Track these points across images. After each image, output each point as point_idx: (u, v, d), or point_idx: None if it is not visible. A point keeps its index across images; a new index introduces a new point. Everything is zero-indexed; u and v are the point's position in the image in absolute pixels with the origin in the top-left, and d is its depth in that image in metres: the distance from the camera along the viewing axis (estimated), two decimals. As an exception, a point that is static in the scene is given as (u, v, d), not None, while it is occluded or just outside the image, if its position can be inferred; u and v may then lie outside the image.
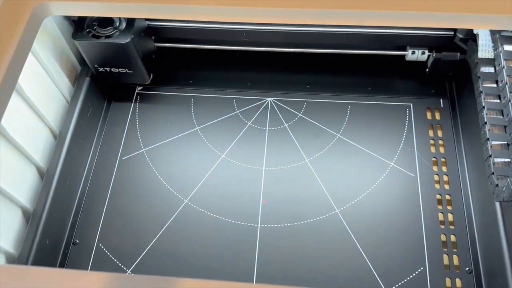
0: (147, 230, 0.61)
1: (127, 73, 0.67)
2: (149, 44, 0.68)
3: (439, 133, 0.68)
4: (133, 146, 0.68)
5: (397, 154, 0.66)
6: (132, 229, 0.62)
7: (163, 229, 0.61)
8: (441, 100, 0.70)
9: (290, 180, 0.64)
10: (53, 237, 0.59)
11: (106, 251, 0.60)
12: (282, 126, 0.69)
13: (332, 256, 0.58)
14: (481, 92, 0.58)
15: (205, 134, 0.69)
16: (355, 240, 0.59)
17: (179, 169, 0.66)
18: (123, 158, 0.67)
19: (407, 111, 0.69)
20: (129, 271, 0.58)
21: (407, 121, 0.68)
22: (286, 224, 0.61)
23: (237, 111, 0.71)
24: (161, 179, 0.65)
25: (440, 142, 0.67)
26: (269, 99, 0.72)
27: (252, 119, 0.70)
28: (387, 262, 0.57)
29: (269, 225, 0.61)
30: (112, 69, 0.66)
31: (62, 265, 0.60)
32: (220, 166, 0.66)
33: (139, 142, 0.69)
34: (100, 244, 0.61)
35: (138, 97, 0.73)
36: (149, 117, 0.71)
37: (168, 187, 0.64)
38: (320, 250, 0.59)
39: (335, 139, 0.67)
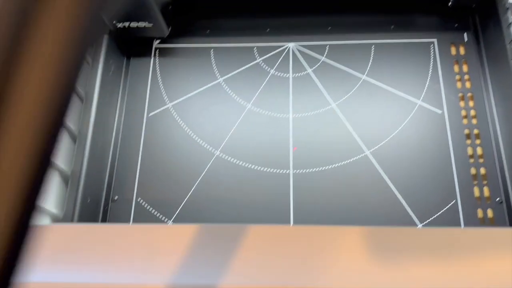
0: (182, 183, 0.63)
1: (146, 27, 0.65)
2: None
3: (465, 68, 0.67)
4: (158, 102, 0.68)
5: (424, 92, 0.66)
6: (167, 182, 0.63)
7: (198, 181, 0.63)
8: (465, 34, 0.69)
9: (318, 125, 0.65)
10: (93, 196, 0.61)
11: (145, 205, 0.62)
12: (305, 72, 0.69)
13: (365, 195, 0.60)
14: (510, 23, 0.57)
15: (229, 85, 0.69)
16: (387, 180, 0.61)
17: (207, 122, 0.67)
18: (150, 115, 0.67)
19: (431, 48, 0.69)
20: (170, 221, 0.61)
21: (431, 58, 0.68)
22: (317, 169, 0.62)
23: (258, 60, 0.70)
24: (190, 132, 0.66)
25: (466, 77, 0.66)
26: (291, 44, 0.71)
27: (275, 67, 0.69)
28: (420, 198, 0.59)
29: (301, 171, 0.62)
30: (131, 24, 0.65)
31: (104, 221, 0.62)
32: (247, 116, 0.67)
33: (163, 98, 0.69)
34: (139, 199, 0.62)
35: (157, 51, 0.72)
36: (170, 71, 0.70)
37: (198, 140, 0.65)
38: (353, 191, 0.61)
39: (361, 81, 0.67)
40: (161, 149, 0.66)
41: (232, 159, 0.64)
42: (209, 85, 0.69)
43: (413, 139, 0.63)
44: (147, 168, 0.65)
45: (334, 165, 0.62)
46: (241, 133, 0.66)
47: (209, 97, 0.68)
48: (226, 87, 0.68)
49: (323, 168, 0.62)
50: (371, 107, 0.66)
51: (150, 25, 0.65)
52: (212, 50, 0.71)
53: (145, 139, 0.67)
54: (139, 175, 0.64)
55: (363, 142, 0.63)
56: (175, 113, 0.67)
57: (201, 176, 0.63)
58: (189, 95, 0.68)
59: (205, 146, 0.65)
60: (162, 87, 0.69)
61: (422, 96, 0.65)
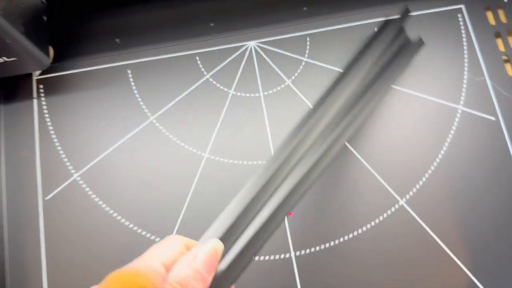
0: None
1: (11, 62, 0.38)
2: (30, 1, 0.39)
3: (511, 41, 0.45)
4: (58, 172, 0.42)
5: (464, 90, 0.43)
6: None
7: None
8: (501, -11, 0.47)
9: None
10: None
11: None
12: (281, 87, 0.44)
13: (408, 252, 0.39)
14: None
15: (163, 122, 0.43)
16: (438, 240, 0.39)
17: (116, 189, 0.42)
18: (46, 199, 0.41)
19: (460, 18, 0.46)
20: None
21: (463, 33, 0.45)
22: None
23: (207, 75, 0.44)
24: (107, 209, 0.41)
25: (516, 56, 0.45)
26: (251, 43, 0.45)
27: (234, 85, 0.44)
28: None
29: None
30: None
31: None
32: (207, 168, 0.42)
33: (64, 164, 0.42)
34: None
35: (41, 87, 0.44)
36: (67, 113, 0.44)
37: (123, 221, 0.40)
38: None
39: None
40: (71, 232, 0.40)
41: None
42: (139, 127, 0.43)
43: (459, 170, 0.41)
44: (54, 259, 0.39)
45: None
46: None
47: (139, 141, 0.43)
48: (161, 127, 0.43)
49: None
50: (405, 119, 0.43)
51: (12, 59, 0.37)
52: (129, 70, 0.45)
53: (46, 221, 0.41)
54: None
55: (393, 190, 0.41)
56: (79, 187, 0.42)
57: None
58: (100, 156, 0.42)
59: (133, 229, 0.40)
60: (58, 144, 0.43)
61: (463, 97, 0.43)
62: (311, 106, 0.42)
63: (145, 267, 0.23)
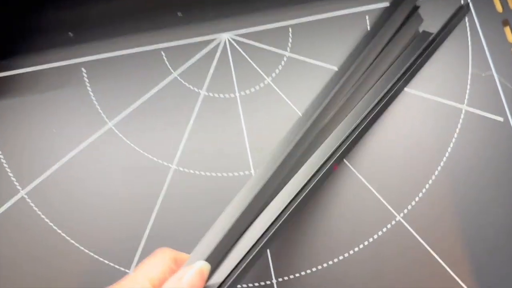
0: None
1: None
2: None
3: (521, 32, 0.40)
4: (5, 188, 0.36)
5: (468, 88, 0.38)
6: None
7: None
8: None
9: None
10: None
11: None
12: (259, 86, 0.38)
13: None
14: None
15: (124, 128, 0.37)
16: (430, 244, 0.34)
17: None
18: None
19: (462, 9, 0.40)
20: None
21: (467, 27, 0.40)
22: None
23: (174, 73, 0.38)
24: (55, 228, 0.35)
25: (527, 47, 0.39)
26: (225, 35, 0.39)
27: (205, 85, 0.38)
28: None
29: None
30: None
31: None
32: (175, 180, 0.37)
33: (12, 182, 0.36)
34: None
35: (-20, 89, 0.38)
36: (12, 119, 0.38)
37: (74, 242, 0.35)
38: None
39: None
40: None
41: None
42: (97, 134, 0.37)
43: (462, 180, 0.36)
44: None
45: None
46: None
47: (97, 150, 0.37)
48: (120, 134, 0.37)
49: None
50: (407, 120, 0.37)
51: None
52: (83, 68, 0.39)
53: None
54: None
55: (391, 207, 0.36)
56: (32, 202, 0.36)
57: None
58: (51, 170, 0.37)
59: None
60: (2, 155, 0.37)
61: (467, 95, 0.38)
62: (295, 108, 0.36)
63: (133, 286, 0.24)
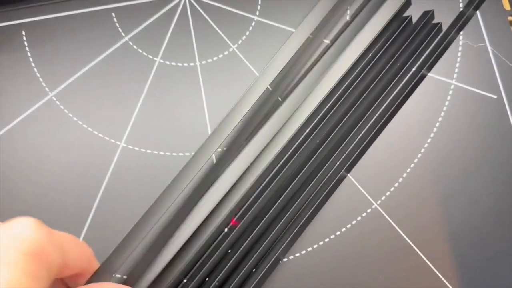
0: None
1: None
2: None
3: (518, 0, 0.35)
4: None
5: (457, 62, 0.34)
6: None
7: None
8: None
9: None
10: None
11: None
12: (223, 54, 0.34)
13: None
14: None
15: (66, 100, 0.33)
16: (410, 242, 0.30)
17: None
18: None
19: (455, -33, 0.36)
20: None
21: (459, -11, 0.35)
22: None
23: (126, 38, 0.34)
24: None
25: (525, 17, 0.35)
26: (185, -3, 0.35)
27: (161, 51, 0.34)
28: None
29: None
30: None
31: None
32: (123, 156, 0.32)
33: None
34: None
35: None
36: None
37: None
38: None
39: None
40: None
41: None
42: (37, 105, 0.33)
43: (448, 164, 0.32)
44: None
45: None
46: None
47: (38, 121, 0.32)
48: (61, 106, 0.33)
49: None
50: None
51: None
52: (23, 30, 0.34)
53: None
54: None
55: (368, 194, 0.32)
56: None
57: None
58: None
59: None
60: None
61: (457, 69, 0.34)
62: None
63: None
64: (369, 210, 0.31)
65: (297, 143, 0.31)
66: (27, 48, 0.33)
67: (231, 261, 0.29)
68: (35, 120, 0.32)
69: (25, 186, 0.31)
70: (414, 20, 0.31)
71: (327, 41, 0.33)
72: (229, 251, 0.30)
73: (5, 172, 0.31)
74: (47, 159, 0.31)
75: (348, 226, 0.31)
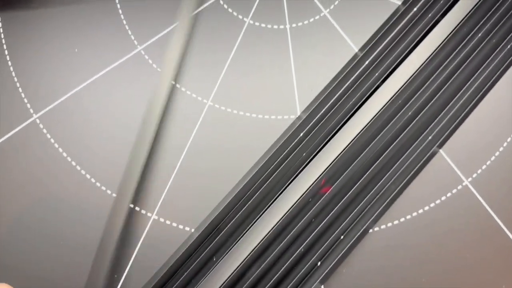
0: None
1: None
2: None
3: None
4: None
5: None
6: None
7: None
8: None
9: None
10: None
11: None
12: (314, 18, 0.33)
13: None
14: None
15: (154, 54, 0.32)
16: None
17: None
18: (-6, 144, 0.31)
19: None
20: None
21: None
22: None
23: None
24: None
25: None
26: (277, -41, 0.34)
27: (251, 12, 0.33)
28: None
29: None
30: None
31: None
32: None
33: (24, 104, 0.32)
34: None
35: (-6, -3, 0.33)
36: (28, 33, 0.33)
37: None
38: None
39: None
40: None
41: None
42: (123, 58, 0.32)
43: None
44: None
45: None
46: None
47: (121, 82, 0.32)
48: (151, 60, 0.32)
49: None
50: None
51: None
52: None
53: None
54: None
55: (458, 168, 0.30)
56: (44, 127, 0.31)
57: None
58: (69, 94, 0.32)
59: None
60: (14, 74, 0.32)
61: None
62: (352, 46, 0.31)
63: None
64: (459, 187, 0.30)
65: (389, 114, 0.30)
66: (117, 0, 0.33)
67: (320, 226, 0.29)
68: (122, 71, 0.32)
69: (111, 139, 0.31)
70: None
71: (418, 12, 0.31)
72: (315, 218, 0.29)
73: (91, 120, 0.31)
74: (132, 112, 0.31)
75: (437, 202, 0.30)
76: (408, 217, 0.30)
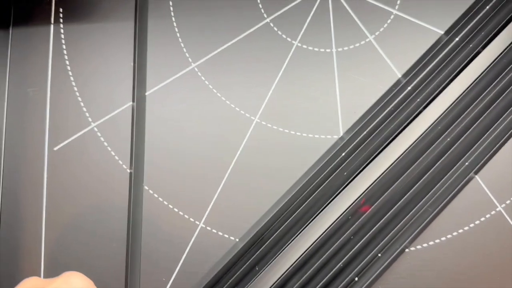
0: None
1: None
2: None
3: None
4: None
5: None
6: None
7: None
8: None
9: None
10: None
11: None
12: (360, 43, 0.35)
13: None
14: None
15: (206, 71, 0.34)
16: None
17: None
18: (54, 149, 0.33)
19: None
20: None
21: None
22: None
23: (267, 19, 0.35)
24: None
25: None
26: (326, -15, 0.36)
27: (300, 35, 0.35)
28: None
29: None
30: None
31: None
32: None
33: (83, 113, 0.34)
34: None
35: (60, 10, 0.35)
36: (89, 46, 0.35)
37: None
38: None
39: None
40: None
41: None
42: (178, 74, 0.35)
43: None
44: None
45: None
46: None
47: (175, 96, 0.34)
48: (204, 77, 0.34)
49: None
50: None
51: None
52: (171, 0, 0.35)
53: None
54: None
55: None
56: (102, 135, 0.33)
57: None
58: (126, 105, 0.34)
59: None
60: (75, 83, 0.34)
61: None
62: (395, 71, 0.32)
63: None
64: (493, 212, 0.31)
65: (428, 139, 0.32)
66: (173, 18, 0.35)
67: (359, 243, 0.30)
68: (176, 87, 0.34)
69: (164, 150, 0.33)
70: None
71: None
72: (354, 235, 0.31)
73: (150, 130, 0.33)
74: (184, 125, 0.33)
75: (471, 225, 0.31)
76: (443, 239, 0.31)
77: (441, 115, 0.32)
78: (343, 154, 0.32)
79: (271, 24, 0.35)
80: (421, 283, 0.30)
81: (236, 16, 0.35)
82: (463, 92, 0.33)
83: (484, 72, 0.33)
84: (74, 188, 0.32)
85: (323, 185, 0.31)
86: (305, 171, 0.32)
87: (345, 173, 0.32)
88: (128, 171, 0.33)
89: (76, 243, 0.32)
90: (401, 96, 0.33)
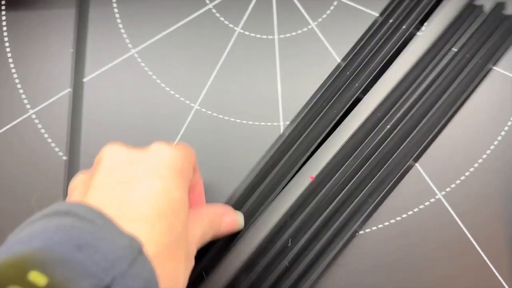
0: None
1: None
2: None
3: None
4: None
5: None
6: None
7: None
8: None
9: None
10: None
11: None
12: (302, 30, 0.34)
13: None
14: None
15: (147, 57, 0.34)
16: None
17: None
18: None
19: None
20: None
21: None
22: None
23: (210, 5, 0.35)
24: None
25: None
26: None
27: (242, 21, 0.34)
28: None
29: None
30: None
31: None
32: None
33: (21, 100, 0.34)
34: None
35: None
36: (32, 33, 0.35)
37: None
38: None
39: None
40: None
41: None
42: (116, 61, 0.34)
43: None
44: None
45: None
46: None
47: (114, 82, 0.34)
48: (143, 63, 0.34)
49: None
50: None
51: None
52: (113, -12, 0.35)
53: None
54: None
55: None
56: (39, 123, 0.33)
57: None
58: (64, 92, 0.34)
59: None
60: (15, 71, 0.34)
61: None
62: (337, 58, 0.32)
63: None
64: (432, 200, 0.31)
65: (368, 128, 0.31)
66: (114, 4, 0.35)
67: (311, 229, 0.29)
68: (115, 72, 0.33)
69: (102, 133, 0.32)
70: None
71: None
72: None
73: (87, 117, 0.33)
74: (122, 111, 0.33)
75: (410, 212, 0.31)
76: (387, 223, 0.31)
77: (381, 102, 0.32)
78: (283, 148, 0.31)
79: (214, 10, 0.34)
80: (366, 264, 0.30)
81: (178, 1, 0.34)
82: (399, 81, 0.32)
83: (422, 56, 0.33)
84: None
85: (270, 176, 0.31)
86: (249, 160, 0.31)
87: (289, 165, 0.31)
88: (64, 158, 0.32)
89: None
90: (341, 81, 0.33)
